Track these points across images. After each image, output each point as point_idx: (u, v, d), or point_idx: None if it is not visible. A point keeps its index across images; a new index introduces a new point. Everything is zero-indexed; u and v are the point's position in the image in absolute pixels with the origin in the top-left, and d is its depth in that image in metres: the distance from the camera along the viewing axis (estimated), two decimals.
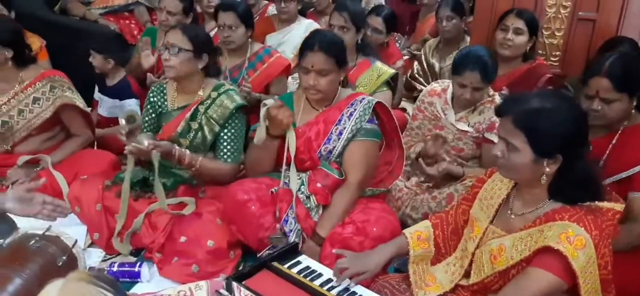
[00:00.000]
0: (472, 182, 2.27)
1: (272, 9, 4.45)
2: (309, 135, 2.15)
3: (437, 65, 3.60)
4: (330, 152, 2.13)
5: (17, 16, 3.25)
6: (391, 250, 1.78)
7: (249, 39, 2.97)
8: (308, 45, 2.11)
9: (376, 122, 2.17)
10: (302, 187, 2.10)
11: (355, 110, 2.12)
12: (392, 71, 2.90)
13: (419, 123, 2.61)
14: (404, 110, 3.41)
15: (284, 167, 2.12)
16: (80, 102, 2.57)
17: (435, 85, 2.65)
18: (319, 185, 2.09)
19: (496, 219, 1.60)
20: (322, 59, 2.05)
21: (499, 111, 1.51)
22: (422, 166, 2.39)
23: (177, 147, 2.18)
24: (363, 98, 2.15)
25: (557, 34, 2.97)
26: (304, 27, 3.78)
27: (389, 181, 2.29)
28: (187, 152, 2.21)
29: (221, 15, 2.87)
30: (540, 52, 2.96)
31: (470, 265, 1.61)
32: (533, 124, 1.42)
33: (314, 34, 2.25)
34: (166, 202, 2.16)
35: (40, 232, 1.72)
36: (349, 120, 2.12)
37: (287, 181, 2.11)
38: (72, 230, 2.12)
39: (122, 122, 2.10)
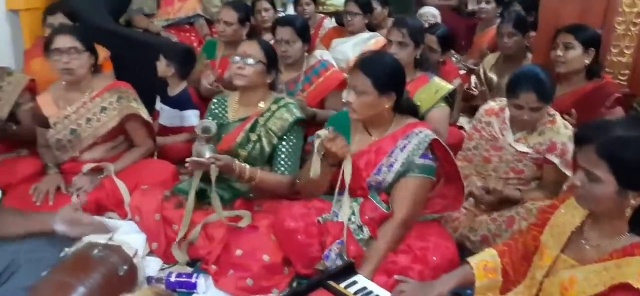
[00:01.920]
0: (534, 205, 2.23)
1: (327, 23, 4.52)
2: (359, 164, 2.10)
3: (495, 80, 3.52)
4: (380, 183, 2.08)
5: (82, 27, 3.38)
6: (455, 280, 1.71)
7: (305, 53, 3.00)
8: (355, 64, 2.10)
9: (431, 156, 2.10)
10: (353, 216, 2.05)
11: (409, 142, 2.06)
12: (450, 87, 2.84)
13: (476, 143, 2.54)
14: (460, 127, 3.34)
15: (336, 194, 2.08)
16: (144, 113, 2.64)
17: (493, 104, 2.58)
18: (367, 217, 2.05)
19: (568, 248, 1.52)
20: (360, 78, 2.03)
21: (580, 139, 1.43)
22: (478, 196, 2.35)
23: (237, 162, 2.20)
24: (420, 131, 2.08)
25: (626, 51, 2.85)
26: (367, 35, 3.89)
27: (442, 212, 2.23)
28: (247, 166, 2.23)
29: (279, 29, 2.91)
30: (607, 70, 2.84)
31: (537, 294, 1.53)
32: (619, 154, 1.33)
33: (366, 54, 2.22)
34: (224, 214, 2.18)
35: (103, 241, 1.76)
36: (402, 152, 2.06)
37: (337, 209, 2.07)
38: (132, 238, 2.19)
39: (198, 131, 2.14)
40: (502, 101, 2.55)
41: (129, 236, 2.15)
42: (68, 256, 1.71)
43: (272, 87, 2.47)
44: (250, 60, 2.29)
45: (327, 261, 1.98)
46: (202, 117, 3.13)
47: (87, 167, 2.51)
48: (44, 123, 2.62)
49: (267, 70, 2.34)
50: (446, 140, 2.68)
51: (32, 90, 2.84)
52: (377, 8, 4.28)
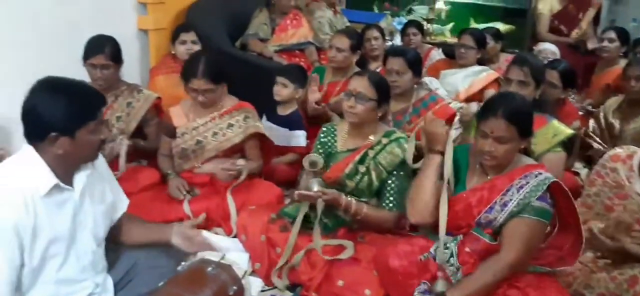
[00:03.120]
0: None
1: (434, 54, 4.47)
2: (471, 200, 2.03)
3: (617, 127, 3.29)
4: (491, 222, 1.99)
5: (204, 49, 3.59)
6: None
7: (415, 85, 2.97)
8: (491, 108, 1.99)
9: (549, 200, 1.97)
10: (452, 258, 1.97)
11: (527, 183, 1.96)
12: (569, 131, 2.68)
13: (598, 190, 2.36)
14: (576, 173, 3.14)
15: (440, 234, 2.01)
16: (267, 133, 2.81)
17: (619, 151, 2.39)
18: (467, 249, 1.96)
19: None
20: (503, 126, 1.93)
21: None
22: (601, 239, 2.14)
23: (343, 196, 2.21)
24: (539, 173, 1.98)
25: None
26: (479, 68, 3.79)
27: (555, 265, 2.07)
28: (353, 200, 2.23)
29: (390, 60, 2.91)
30: None
31: None
32: None
33: (500, 96, 2.15)
34: (321, 244, 2.19)
35: (216, 259, 1.83)
36: (518, 193, 1.95)
37: (433, 250, 2.00)
38: (235, 256, 2.26)
39: (306, 165, 2.18)
40: (630, 148, 2.37)
41: (233, 254, 2.24)
42: (183, 270, 1.79)
43: (382, 118, 2.46)
44: (361, 99, 2.27)
45: None
46: (308, 137, 3.22)
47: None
48: (171, 133, 2.81)
49: (378, 106, 2.32)
50: None
51: (157, 107, 3.06)
52: (490, 42, 4.16)
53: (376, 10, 5.87)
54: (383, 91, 2.34)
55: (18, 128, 1.61)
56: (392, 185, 2.30)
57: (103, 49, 2.78)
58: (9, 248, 1.56)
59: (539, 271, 2.06)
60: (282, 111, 3.26)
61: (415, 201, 2.10)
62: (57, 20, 3.09)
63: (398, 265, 1.98)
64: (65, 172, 1.68)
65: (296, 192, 2.19)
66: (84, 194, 1.74)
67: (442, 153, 2.09)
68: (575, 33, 5.05)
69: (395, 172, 2.28)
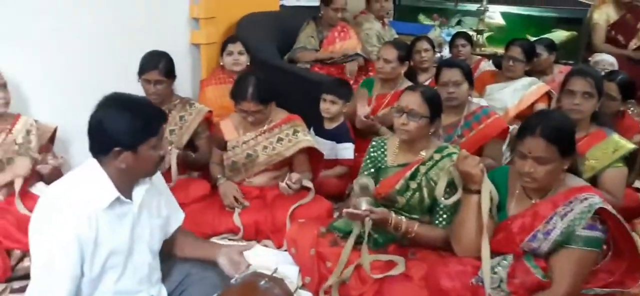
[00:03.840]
0: None
1: (484, 65, 4.38)
2: (513, 228, 1.95)
3: None
4: (535, 250, 1.91)
5: (252, 62, 3.65)
6: None
7: (469, 97, 2.92)
8: (529, 127, 1.91)
9: (599, 226, 1.87)
10: (502, 284, 1.89)
11: (571, 210, 1.86)
12: (631, 146, 2.56)
13: None
14: (637, 190, 3.00)
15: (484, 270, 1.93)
16: (318, 146, 2.82)
17: None
18: (517, 280, 1.88)
19: None
20: (542, 145, 1.85)
21: None
22: None
23: (393, 215, 2.17)
24: (585, 198, 1.87)
25: None
26: (528, 80, 3.69)
27: (614, 287, 1.97)
28: (403, 219, 2.20)
29: (445, 71, 2.87)
30: None
31: None
32: None
33: (538, 114, 2.07)
34: (370, 259, 2.15)
35: (269, 273, 1.84)
36: (562, 220, 1.86)
37: (481, 274, 1.92)
38: (286, 268, 2.26)
39: (356, 189, 2.15)
40: None
41: (284, 267, 2.24)
42: (237, 283, 1.80)
43: (434, 132, 2.41)
44: (414, 117, 2.21)
45: None
46: (357, 151, 3.20)
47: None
48: (222, 146, 2.87)
49: (431, 122, 2.26)
50: (621, 204, 2.43)
51: (209, 120, 3.12)
52: (543, 54, 4.05)
53: (423, 22, 5.81)
54: (436, 107, 2.27)
55: (76, 138, 1.66)
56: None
57: (157, 65, 2.86)
58: (71, 259, 1.61)
59: (598, 294, 1.97)
60: (329, 125, 3.26)
61: (460, 239, 2.05)
62: (114, 36, 3.21)
63: (450, 287, 1.92)
64: (125, 185, 1.72)
65: (344, 210, 2.16)
66: (142, 207, 1.78)
67: (479, 191, 2.00)
68: (633, 43, 4.85)
69: (448, 189, 2.19)
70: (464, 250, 2.03)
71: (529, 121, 1.96)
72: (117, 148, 1.64)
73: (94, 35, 3.09)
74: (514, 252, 1.95)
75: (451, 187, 2.12)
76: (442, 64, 3.02)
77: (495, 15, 5.57)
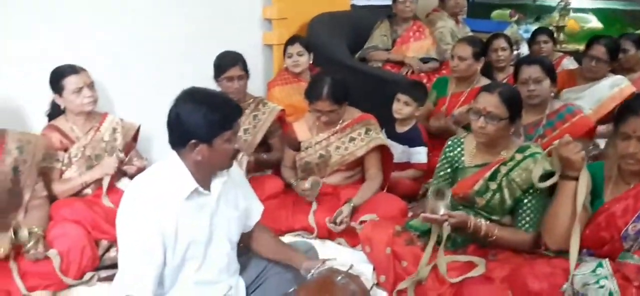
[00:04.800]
0: None
1: (566, 63, 4.18)
2: (614, 210, 1.87)
3: None
4: (638, 234, 1.81)
5: (323, 61, 3.65)
6: None
7: (551, 95, 2.78)
8: (630, 107, 1.85)
9: None
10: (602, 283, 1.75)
11: None
12: None
13: None
14: None
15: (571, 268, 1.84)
16: (389, 145, 2.79)
17: None
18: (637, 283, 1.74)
19: None
20: None
21: None
22: None
23: (472, 218, 2.10)
24: None
25: None
26: (609, 82, 3.45)
27: None
28: (483, 222, 2.12)
29: (525, 69, 2.74)
30: None
31: None
32: None
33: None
34: (448, 260, 2.10)
35: (344, 269, 1.82)
36: None
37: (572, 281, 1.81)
38: (360, 267, 2.24)
39: (431, 196, 2.12)
40: None
41: (359, 265, 2.22)
42: (314, 278, 1.80)
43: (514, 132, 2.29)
44: (492, 119, 2.11)
45: None
46: (430, 153, 3.13)
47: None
48: (296, 146, 2.88)
49: (511, 123, 2.16)
50: None
51: (281, 118, 3.15)
52: (631, 50, 3.80)
53: (498, 19, 5.62)
54: (515, 107, 2.16)
55: (157, 137, 1.71)
56: (529, 205, 2.13)
57: (237, 62, 2.92)
58: (155, 248, 1.67)
59: None
60: (401, 128, 3.21)
61: (552, 230, 1.99)
62: (190, 38, 3.33)
63: (538, 289, 1.83)
64: (203, 177, 1.76)
65: (422, 215, 2.11)
66: (219, 199, 1.81)
67: (577, 179, 1.93)
68: None
69: (531, 190, 2.11)
70: (557, 241, 1.97)
71: (631, 102, 1.92)
72: (193, 141, 1.68)
73: (172, 37, 3.22)
74: (613, 239, 1.88)
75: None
76: (521, 61, 2.89)
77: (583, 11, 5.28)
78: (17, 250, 2.12)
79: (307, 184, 2.68)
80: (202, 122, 1.67)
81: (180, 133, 1.70)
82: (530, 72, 2.70)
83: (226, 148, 1.73)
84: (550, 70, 2.74)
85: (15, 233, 2.11)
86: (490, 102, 2.13)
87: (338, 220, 2.57)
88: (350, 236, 2.62)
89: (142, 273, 1.66)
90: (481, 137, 2.18)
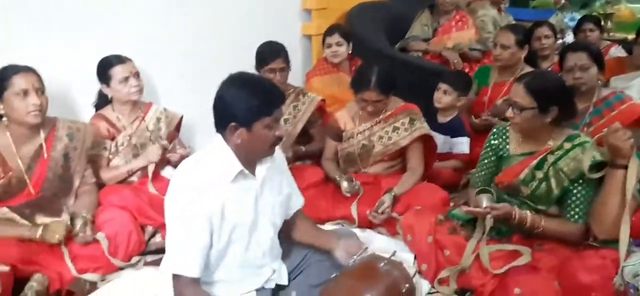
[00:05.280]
0: None
1: (614, 51, 4.04)
2: None
3: None
4: None
5: (363, 51, 3.63)
6: None
7: (599, 81, 2.69)
8: None
9: None
10: None
11: None
12: None
13: None
14: None
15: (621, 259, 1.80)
16: (433, 135, 2.76)
17: None
18: None
19: None
20: None
21: None
22: None
23: (516, 210, 2.06)
24: None
25: None
26: None
27: None
28: (528, 214, 2.07)
29: (570, 56, 2.66)
30: None
31: None
32: None
33: None
34: (492, 250, 2.07)
35: (387, 256, 1.81)
36: None
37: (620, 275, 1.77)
38: (401, 255, 2.22)
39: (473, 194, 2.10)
40: None
41: (400, 254, 2.20)
42: (356, 264, 1.80)
43: (569, 119, 2.21)
44: (518, 108, 2.09)
45: None
46: (472, 143, 3.08)
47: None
48: (338, 136, 2.88)
49: (542, 112, 2.08)
50: None
51: (321, 108, 3.15)
52: None
53: (542, 6, 5.47)
54: (546, 96, 2.07)
55: (200, 127, 1.71)
56: (578, 195, 2.07)
57: (280, 53, 2.92)
58: (202, 231, 1.71)
59: None
60: (442, 118, 3.18)
61: (601, 219, 1.95)
62: (230, 29, 3.38)
63: (589, 282, 1.78)
64: (247, 161, 1.78)
65: (464, 208, 2.10)
66: (264, 184, 1.83)
67: (626, 167, 1.88)
68: None
69: (580, 180, 2.05)
70: (606, 231, 1.92)
71: None
72: (233, 124, 1.70)
73: (214, 29, 3.26)
74: None
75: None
76: (567, 48, 2.81)
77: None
78: (68, 234, 2.19)
79: (345, 184, 2.66)
80: (242, 105, 1.69)
81: (222, 115, 1.73)
82: (575, 59, 2.62)
83: (265, 134, 1.74)
84: (597, 57, 2.66)
85: (72, 220, 2.19)
86: (516, 92, 2.12)
87: (380, 210, 2.56)
88: (391, 226, 2.60)
89: (190, 253, 1.70)
90: (514, 126, 2.17)
